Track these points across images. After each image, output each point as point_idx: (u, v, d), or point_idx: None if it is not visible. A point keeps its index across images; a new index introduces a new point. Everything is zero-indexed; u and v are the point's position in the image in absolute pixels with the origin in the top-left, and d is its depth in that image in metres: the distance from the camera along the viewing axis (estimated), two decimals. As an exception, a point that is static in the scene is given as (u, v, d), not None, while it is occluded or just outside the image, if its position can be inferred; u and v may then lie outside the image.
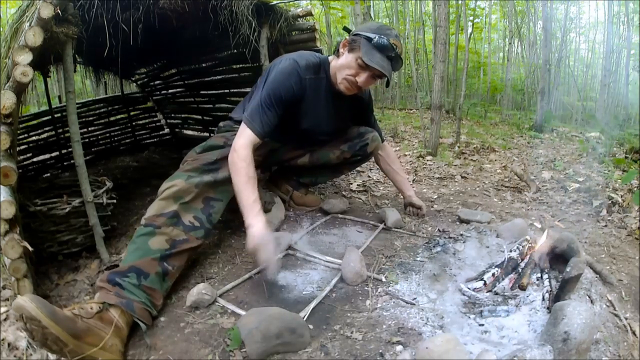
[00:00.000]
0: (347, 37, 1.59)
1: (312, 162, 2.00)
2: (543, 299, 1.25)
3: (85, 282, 1.54)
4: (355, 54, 1.54)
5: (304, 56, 1.64)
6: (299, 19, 2.27)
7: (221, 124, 1.78)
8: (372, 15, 8.71)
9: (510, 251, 1.49)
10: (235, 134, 1.55)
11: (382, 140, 2.07)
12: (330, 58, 1.69)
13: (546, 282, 1.32)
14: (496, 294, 1.33)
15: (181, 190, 1.39)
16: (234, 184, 1.43)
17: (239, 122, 1.61)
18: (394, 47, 1.53)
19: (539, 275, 1.39)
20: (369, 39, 1.51)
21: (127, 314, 1.14)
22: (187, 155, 1.60)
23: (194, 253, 1.48)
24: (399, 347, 1.08)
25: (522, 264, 1.43)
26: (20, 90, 1.28)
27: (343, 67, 1.59)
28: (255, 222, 1.35)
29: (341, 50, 1.61)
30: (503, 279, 1.38)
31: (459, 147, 4.29)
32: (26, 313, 0.93)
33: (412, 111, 7.83)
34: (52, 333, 0.95)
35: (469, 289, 1.33)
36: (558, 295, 1.19)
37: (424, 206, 2.10)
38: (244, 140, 1.48)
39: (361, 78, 1.56)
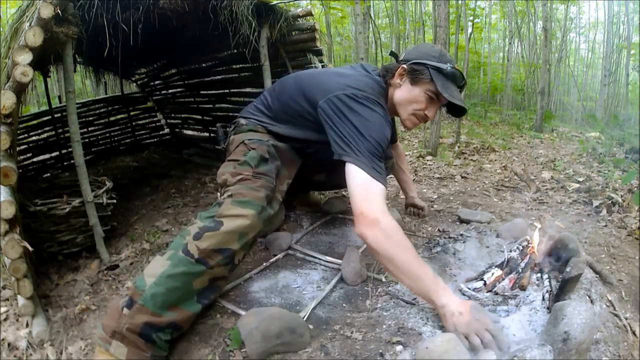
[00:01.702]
0: (405, 66, 1.39)
1: (327, 179, 1.91)
2: (543, 299, 1.25)
3: (85, 282, 1.54)
4: (422, 86, 1.37)
5: (375, 90, 1.39)
6: (299, 19, 2.27)
7: (243, 121, 1.57)
8: (372, 15, 8.71)
9: (510, 251, 1.49)
10: (258, 133, 1.45)
11: (395, 140, 2.03)
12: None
13: (546, 282, 1.32)
14: (496, 294, 1.33)
15: (250, 226, 1.16)
16: (397, 265, 1.10)
17: (255, 120, 1.53)
18: (463, 74, 1.40)
19: (539, 275, 1.39)
20: (440, 70, 1.34)
21: None
22: (236, 168, 1.32)
23: None
24: (399, 347, 1.08)
25: (522, 264, 1.43)
26: (20, 90, 1.28)
27: (408, 101, 1.40)
28: (450, 298, 1.10)
29: (397, 80, 1.41)
30: (503, 279, 1.38)
31: (459, 147, 4.29)
32: None
33: (412, 111, 7.82)
34: None
35: (469, 289, 1.33)
36: (558, 295, 1.19)
37: (426, 207, 2.10)
38: (380, 199, 1.16)
39: (431, 112, 1.41)
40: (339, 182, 1.90)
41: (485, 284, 1.35)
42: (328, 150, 1.32)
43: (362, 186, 1.17)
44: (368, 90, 1.35)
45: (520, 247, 1.51)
